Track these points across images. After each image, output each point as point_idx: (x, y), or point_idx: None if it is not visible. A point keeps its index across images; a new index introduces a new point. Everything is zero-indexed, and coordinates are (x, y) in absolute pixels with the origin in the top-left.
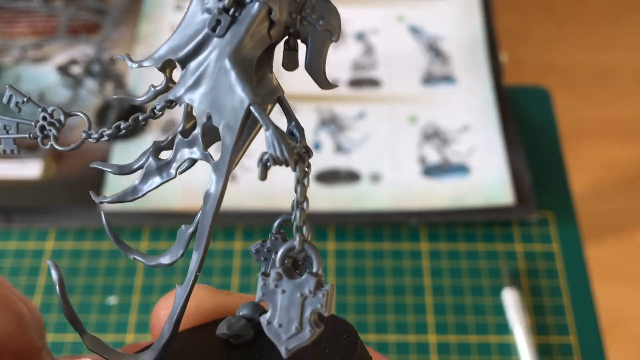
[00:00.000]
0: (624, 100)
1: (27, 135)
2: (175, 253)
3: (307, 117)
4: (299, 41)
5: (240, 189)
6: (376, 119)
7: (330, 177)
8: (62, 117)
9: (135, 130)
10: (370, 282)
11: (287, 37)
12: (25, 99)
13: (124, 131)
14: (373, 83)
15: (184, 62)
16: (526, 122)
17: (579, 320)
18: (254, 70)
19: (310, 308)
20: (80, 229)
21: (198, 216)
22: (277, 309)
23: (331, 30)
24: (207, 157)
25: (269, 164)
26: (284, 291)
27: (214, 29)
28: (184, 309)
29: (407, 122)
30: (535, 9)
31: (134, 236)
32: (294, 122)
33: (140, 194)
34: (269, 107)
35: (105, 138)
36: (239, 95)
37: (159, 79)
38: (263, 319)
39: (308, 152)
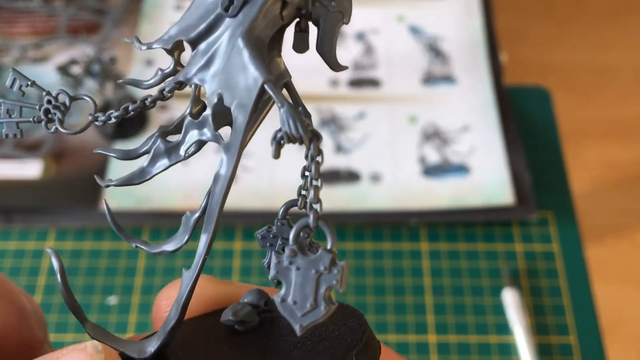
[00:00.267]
0: (624, 100)
1: (30, 119)
2: (180, 239)
3: None
4: (309, 23)
5: (240, 189)
6: (376, 119)
7: (330, 177)
8: (67, 101)
9: (128, 124)
10: (370, 282)
11: (298, 19)
12: (29, 83)
13: (132, 113)
14: (373, 83)
15: (195, 42)
16: (526, 122)
17: (579, 320)
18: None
19: (325, 284)
20: (80, 229)
21: (204, 202)
22: (292, 286)
23: (343, 11)
24: (217, 138)
25: (282, 141)
26: (298, 268)
27: (226, 9)
28: (192, 292)
29: (407, 122)
30: (535, 9)
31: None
32: (301, 107)
33: (148, 177)
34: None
35: (113, 120)
36: (252, 73)
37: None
38: (277, 297)
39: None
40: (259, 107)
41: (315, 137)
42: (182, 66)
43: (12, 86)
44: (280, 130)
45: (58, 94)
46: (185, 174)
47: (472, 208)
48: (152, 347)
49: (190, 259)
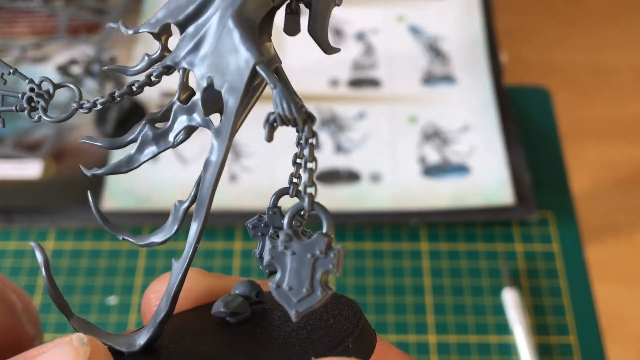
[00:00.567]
0: (624, 100)
1: (13, 108)
2: (169, 230)
3: None
4: (300, 5)
5: (240, 189)
6: (376, 119)
7: (330, 177)
8: (50, 89)
9: (132, 108)
10: (370, 282)
11: (289, 1)
12: (11, 70)
13: (118, 99)
14: (373, 83)
15: (183, 25)
16: (526, 122)
17: (579, 320)
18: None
19: (321, 269)
20: (80, 229)
21: (193, 191)
22: (287, 271)
23: None
24: (207, 123)
25: (276, 123)
26: (293, 253)
27: None
28: (182, 283)
29: (407, 122)
30: (536, 9)
31: None
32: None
33: (136, 164)
34: None
35: (99, 107)
36: (243, 55)
37: (160, 84)
38: (272, 283)
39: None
40: (250, 91)
41: (309, 119)
42: (170, 51)
43: None
44: (273, 112)
45: (41, 82)
46: (184, 173)
47: (472, 208)
48: (141, 340)
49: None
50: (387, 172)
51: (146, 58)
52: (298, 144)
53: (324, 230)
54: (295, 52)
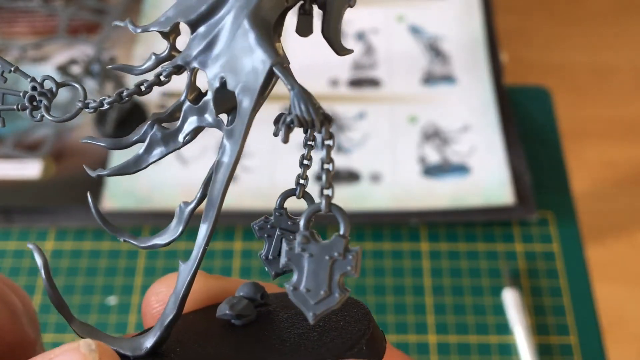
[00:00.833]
0: (624, 100)
1: (14, 107)
2: (174, 231)
3: None
4: (313, 6)
5: (240, 189)
6: (376, 119)
7: None
8: (53, 87)
9: (132, 109)
10: (370, 282)
11: (302, 1)
12: (12, 68)
13: (126, 99)
14: (373, 83)
15: (195, 24)
16: (526, 122)
17: (579, 320)
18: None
19: (339, 271)
20: (80, 229)
21: (199, 193)
22: (304, 273)
23: None
24: (219, 124)
25: (292, 125)
26: (311, 255)
27: None
28: (190, 286)
29: (407, 122)
30: (536, 9)
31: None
32: None
33: (144, 165)
34: None
35: (106, 106)
36: (260, 56)
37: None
38: (288, 285)
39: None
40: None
41: (327, 120)
42: (178, 50)
43: None
44: (289, 113)
45: (44, 80)
46: (185, 173)
47: (472, 208)
48: (148, 343)
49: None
50: (387, 172)
51: (153, 57)
52: (305, 144)
53: (341, 232)
54: (295, 52)
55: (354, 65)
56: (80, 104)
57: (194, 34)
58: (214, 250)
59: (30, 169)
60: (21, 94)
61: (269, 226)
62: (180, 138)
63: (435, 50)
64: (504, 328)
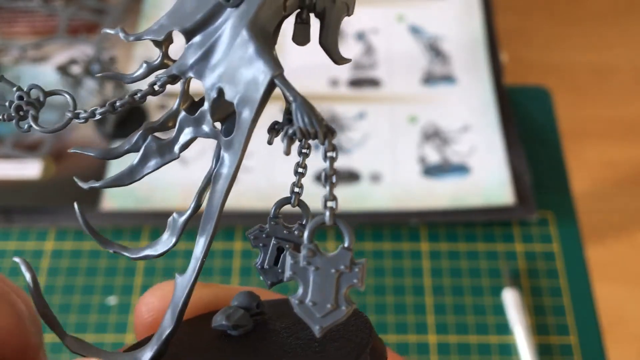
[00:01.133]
0: (624, 100)
1: (0, 117)
2: (167, 243)
3: None
4: (310, 15)
5: (240, 189)
6: (376, 119)
7: None
8: (41, 96)
9: (132, 109)
10: (370, 282)
11: (299, 10)
12: None
13: (119, 109)
14: (373, 83)
15: (190, 33)
16: (526, 122)
17: (579, 320)
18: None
19: (346, 284)
20: (80, 229)
21: (193, 203)
22: (310, 286)
23: (347, 3)
24: (216, 135)
25: (295, 137)
26: (317, 268)
27: None
28: (188, 299)
29: (407, 122)
30: (536, 8)
31: (133, 236)
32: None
33: (138, 177)
34: None
35: (98, 117)
36: (260, 67)
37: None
38: (293, 299)
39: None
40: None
41: (330, 132)
42: (170, 59)
43: None
44: (291, 125)
45: (30, 89)
46: (185, 174)
47: (472, 208)
48: (145, 357)
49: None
50: (387, 172)
51: (144, 65)
52: (300, 153)
53: (346, 245)
54: (295, 52)
55: (354, 65)
56: (70, 114)
57: (189, 42)
58: (214, 250)
59: (30, 169)
60: (7, 104)
61: (264, 235)
62: (176, 149)
63: (435, 50)
64: (504, 328)
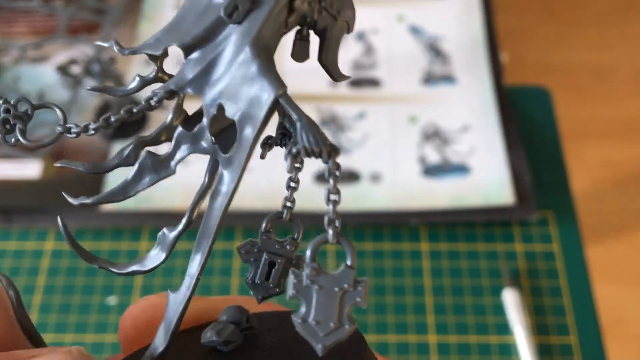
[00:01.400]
0: (624, 100)
1: None
2: (156, 258)
3: None
4: (310, 32)
5: (241, 189)
6: (376, 119)
7: None
8: (29, 110)
9: (127, 123)
10: (370, 282)
11: (299, 27)
12: None
13: (114, 124)
14: (373, 83)
15: (190, 48)
16: (526, 122)
17: (579, 320)
18: None
19: (349, 302)
20: (80, 229)
21: (185, 218)
22: (312, 305)
23: (348, 21)
24: (215, 151)
25: (299, 155)
26: (320, 287)
27: (230, 15)
28: (182, 318)
29: (407, 122)
30: (536, 9)
31: (133, 236)
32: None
33: (132, 193)
34: None
35: (91, 132)
36: (264, 86)
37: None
38: (296, 318)
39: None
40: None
41: (334, 151)
42: (165, 72)
43: None
44: (296, 143)
45: (18, 102)
46: (185, 174)
47: (472, 208)
48: None
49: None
50: (387, 172)
51: (138, 78)
52: (292, 168)
53: (349, 263)
54: None
55: (354, 65)
56: (60, 129)
57: (187, 58)
58: (214, 250)
59: (30, 169)
60: None
61: (255, 250)
62: (172, 165)
63: (435, 50)
64: (504, 328)
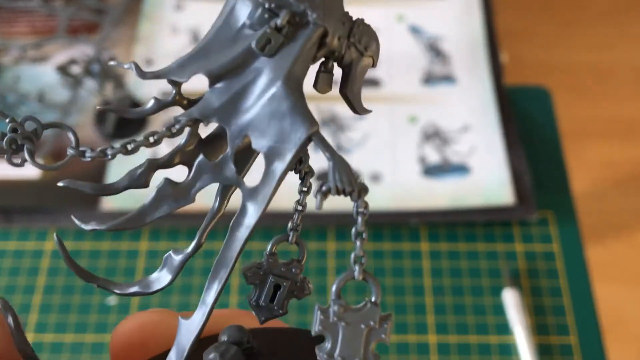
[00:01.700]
0: (624, 100)
1: None
2: (162, 281)
3: None
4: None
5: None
6: (376, 119)
7: None
8: (38, 129)
9: (127, 122)
10: None
11: (324, 59)
12: None
13: (133, 151)
14: (373, 83)
15: (216, 78)
16: (526, 122)
17: (579, 320)
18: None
19: (374, 339)
20: (80, 229)
21: (194, 242)
22: (339, 341)
23: (374, 56)
24: (240, 183)
25: (329, 193)
26: (347, 324)
27: (262, 49)
28: (195, 346)
29: (407, 122)
30: (536, 8)
31: (133, 236)
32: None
33: (148, 220)
34: None
35: (109, 157)
36: (296, 123)
37: (159, 83)
38: (321, 353)
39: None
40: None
41: (364, 191)
42: (183, 97)
43: None
44: (325, 181)
45: (25, 121)
46: (185, 174)
47: (472, 208)
48: None
49: (190, 260)
50: (387, 172)
51: (154, 101)
52: (300, 191)
53: (373, 299)
54: None
55: None
56: (73, 152)
57: (213, 86)
58: (213, 250)
59: (30, 169)
60: None
61: (261, 272)
62: (192, 193)
63: (435, 50)
64: (504, 328)
